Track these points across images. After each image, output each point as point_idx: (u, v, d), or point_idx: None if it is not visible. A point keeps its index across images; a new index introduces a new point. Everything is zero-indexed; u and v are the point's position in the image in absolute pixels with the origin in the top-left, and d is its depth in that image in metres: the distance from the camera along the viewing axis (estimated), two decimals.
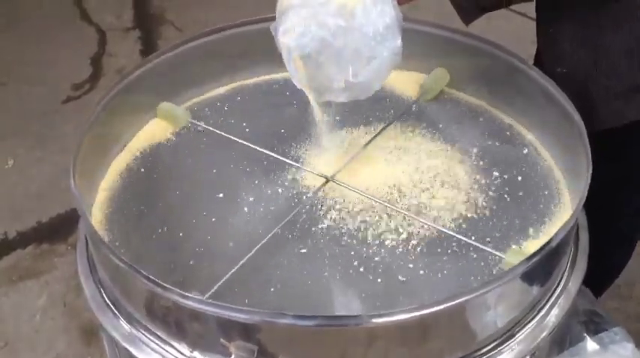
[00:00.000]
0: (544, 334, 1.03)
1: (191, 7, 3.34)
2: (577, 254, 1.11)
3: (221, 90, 1.42)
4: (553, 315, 1.05)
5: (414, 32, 1.28)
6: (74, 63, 3.05)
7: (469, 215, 1.15)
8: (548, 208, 1.16)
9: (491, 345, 1.00)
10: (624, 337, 1.16)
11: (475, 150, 1.26)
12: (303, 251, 1.09)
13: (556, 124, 1.21)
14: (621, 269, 1.65)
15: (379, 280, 1.05)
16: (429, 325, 0.94)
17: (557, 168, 1.23)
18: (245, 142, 1.28)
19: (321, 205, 1.16)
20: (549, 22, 1.26)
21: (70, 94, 2.90)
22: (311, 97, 1.15)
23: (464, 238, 1.10)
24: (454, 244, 1.10)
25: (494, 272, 1.06)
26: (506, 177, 1.21)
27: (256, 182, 1.21)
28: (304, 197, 1.18)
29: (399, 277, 1.05)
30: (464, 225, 1.13)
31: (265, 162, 1.25)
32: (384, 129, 1.30)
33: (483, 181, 1.21)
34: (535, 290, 1.02)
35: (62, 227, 2.37)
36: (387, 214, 1.14)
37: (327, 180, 1.20)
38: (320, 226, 1.13)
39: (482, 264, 1.07)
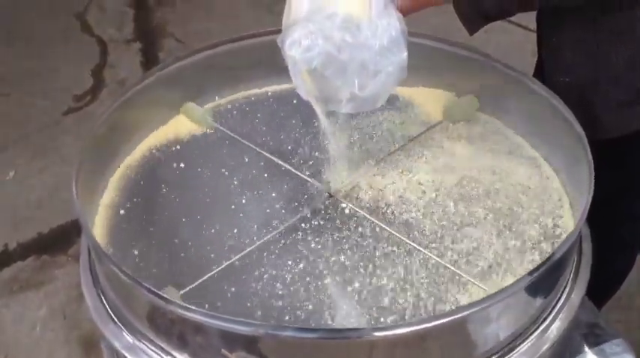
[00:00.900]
0: (545, 347, 1.03)
1: (192, 19, 3.35)
2: (580, 266, 1.11)
3: (229, 98, 1.43)
4: (555, 328, 1.05)
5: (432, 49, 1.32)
6: (75, 74, 3.06)
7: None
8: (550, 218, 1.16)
9: None
10: (625, 348, 1.15)
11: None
12: (301, 266, 1.09)
13: (559, 135, 1.21)
14: (623, 278, 1.65)
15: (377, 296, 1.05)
16: (431, 338, 0.94)
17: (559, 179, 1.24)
18: (248, 143, 1.30)
19: (322, 219, 1.16)
20: (552, 32, 1.26)
21: (71, 106, 2.91)
22: (317, 109, 1.16)
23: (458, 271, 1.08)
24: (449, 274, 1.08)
25: None
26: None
27: (260, 191, 1.22)
28: (305, 209, 1.18)
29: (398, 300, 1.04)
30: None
31: (267, 172, 1.26)
32: (401, 147, 1.30)
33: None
34: (537, 302, 1.02)
35: (63, 238, 2.36)
36: (386, 232, 1.14)
37: (330, 195, 1.20)
38: (318, 239, 1.13)
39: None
